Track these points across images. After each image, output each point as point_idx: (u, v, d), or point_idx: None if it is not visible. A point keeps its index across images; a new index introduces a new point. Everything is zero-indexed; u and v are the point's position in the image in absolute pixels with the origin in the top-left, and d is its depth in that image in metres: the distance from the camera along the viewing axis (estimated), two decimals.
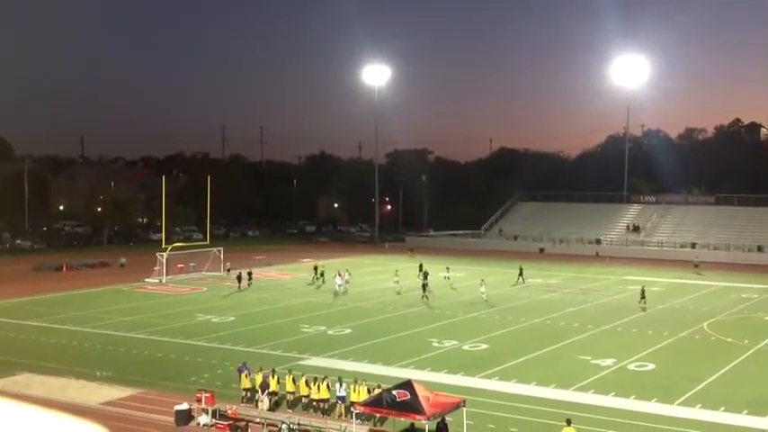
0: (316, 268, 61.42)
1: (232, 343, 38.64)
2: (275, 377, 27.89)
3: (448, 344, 38.41)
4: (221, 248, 67.97)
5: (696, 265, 72.84)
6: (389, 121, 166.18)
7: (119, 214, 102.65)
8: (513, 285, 59.28)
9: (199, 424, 26.05)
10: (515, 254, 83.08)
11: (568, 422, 23.24)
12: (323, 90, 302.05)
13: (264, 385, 27.57)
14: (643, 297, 50.20)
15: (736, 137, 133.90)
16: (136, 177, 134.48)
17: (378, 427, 25.19)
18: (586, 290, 58.19)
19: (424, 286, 53.28)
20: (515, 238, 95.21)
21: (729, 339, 39.98)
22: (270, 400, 27.31)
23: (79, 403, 28.38)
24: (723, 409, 27.70)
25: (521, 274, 61.08)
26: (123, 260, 73.00)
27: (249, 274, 59.05)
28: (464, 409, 23.81)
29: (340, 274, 56.47)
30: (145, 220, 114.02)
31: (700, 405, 28.14)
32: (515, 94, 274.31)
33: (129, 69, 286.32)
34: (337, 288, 55.24)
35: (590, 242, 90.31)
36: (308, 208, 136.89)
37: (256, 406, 27.40)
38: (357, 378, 27.31)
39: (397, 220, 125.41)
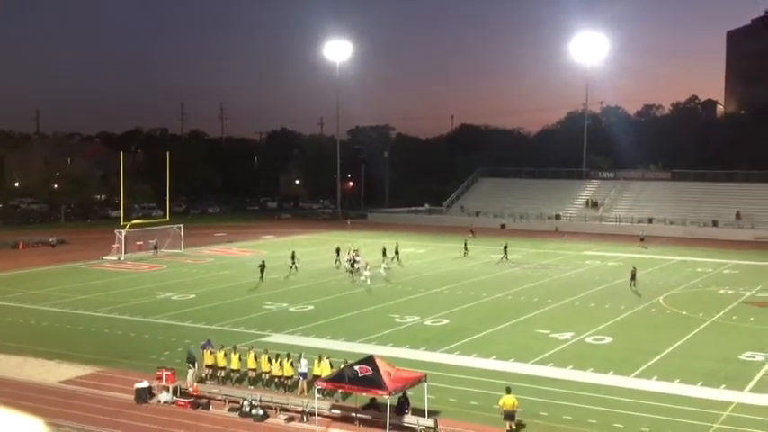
0: (338, 250, 57.49)
1: (192, 320, 38.40)
2: (211, 351, 27.94)
3: (410, 319, 38.63)
4: (181, 225, 67.28)
5: (642, 239, 73.25)
6: (351, 97, 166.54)
7: (76, 191, 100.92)
8: (498, 263, 59.01)
9: (159, 401, 25.93)
10: (477, 230, 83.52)
11: (508, 390, 23.62)
12: (284, 66, 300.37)
13: (191, 358, 27.55)
14: (633, 279, 48.75)
15: (693, 114, 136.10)
16: (93, 153, 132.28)
17: (340, 403, 25.29)
18: (546, 265, 58.86)
19: (353, 264, 52.53)
20: (477, 214, 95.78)
21: (684, 312, 40.83)
22: (192, 374, 27.17)
23: (37, 382, 28.03)
24: (678, 380, 28.30)
25: (505, 252, 60.54)
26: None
27: (293, 257, 54.31)
28: (425, 383, 24.02)
29: (352, 252, 54.45)
30: (103, 196, 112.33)
31: (656, 377, 28.74)
32: (477, 70, 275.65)
33: (86, 43, 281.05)
34: (346, 265, 53.42)
35: (549, 218, 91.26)
36: (270, 184, 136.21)
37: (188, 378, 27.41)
38: (321, 354, 27.41)
39: (359, 196, 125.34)
